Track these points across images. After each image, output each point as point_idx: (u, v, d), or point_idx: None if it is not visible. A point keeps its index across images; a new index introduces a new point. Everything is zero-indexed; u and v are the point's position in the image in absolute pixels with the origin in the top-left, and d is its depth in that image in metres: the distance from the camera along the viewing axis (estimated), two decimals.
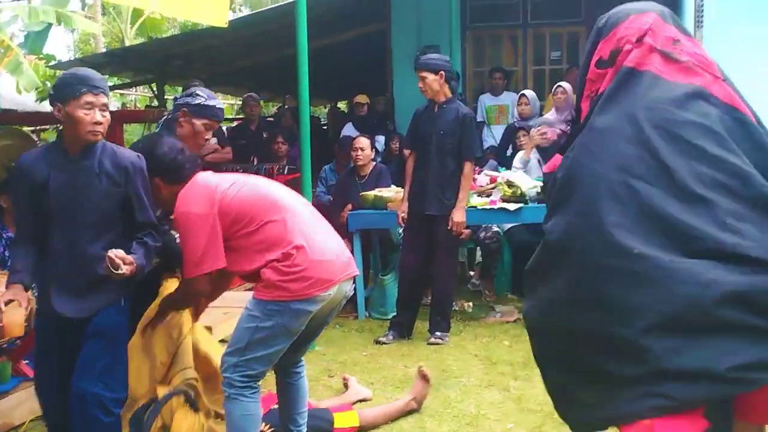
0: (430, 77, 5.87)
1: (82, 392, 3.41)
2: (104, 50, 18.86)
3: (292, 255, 3.29)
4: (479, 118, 10.03)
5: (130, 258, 3.33)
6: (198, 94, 4.06)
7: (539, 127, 7.27)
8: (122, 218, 3.52)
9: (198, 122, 4.05)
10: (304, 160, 5.88)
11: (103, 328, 3.46)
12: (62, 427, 3.55)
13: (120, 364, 3.54)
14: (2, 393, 4.38)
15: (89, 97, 3.31)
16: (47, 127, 8.70)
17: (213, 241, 3.34)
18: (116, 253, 3.29)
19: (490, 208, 6.46)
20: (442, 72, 5.90)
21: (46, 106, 17.09)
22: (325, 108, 19.51)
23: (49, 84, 17.09)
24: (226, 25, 5.76)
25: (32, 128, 7.59)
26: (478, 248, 7.63)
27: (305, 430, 3.73)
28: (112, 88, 14.87)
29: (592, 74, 2.38)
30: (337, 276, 3.39)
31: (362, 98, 10.46)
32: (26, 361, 4.68)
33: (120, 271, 3.28)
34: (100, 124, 3.35)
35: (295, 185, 5.21)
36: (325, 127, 14.54)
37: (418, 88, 5.96)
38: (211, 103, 4.07)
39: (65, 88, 3.34)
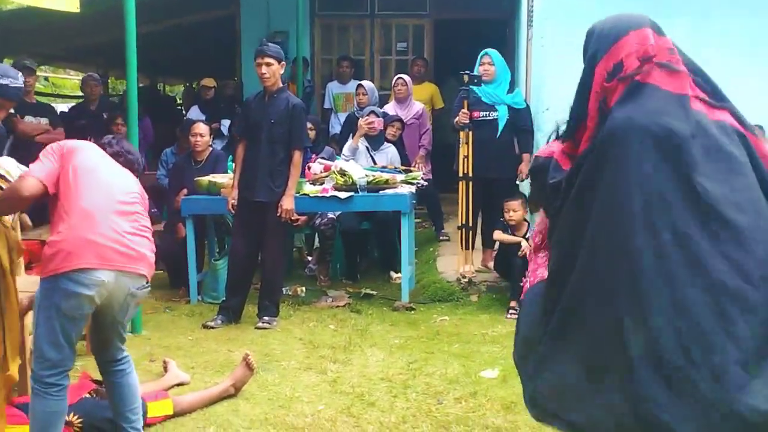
0: (276, 65, 5.98)
1: None
2: None
3: (59, 230, 3.42)
4: (326, 105, 10.24)
5: None
6: None
7: (367, 117, 7.50)
8: None
9: None
10: (131, 142, 5.84)
11: None
12: None
13: None
14: None
15: None
16: None
17: (55, 168, 3.54)
18: None
19: (323, 196, 6.62)
20: (284, 62, 6.04)
21: None
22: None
23: None
24: (78, 10, 5.64)
25: None
26: (316, 234, 7.79)
27: (139, 423, 3.76)
28: None
29: (597, 87, 2.56)
30: (100, 261, 3.41)
31: (209, 81, 10.44)
32: None
33: None
34: None
35: None
36: (180, 107, 14.41)
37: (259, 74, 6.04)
38: (3, 81, 3.87)
39: None
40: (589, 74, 2.60)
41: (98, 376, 3.97)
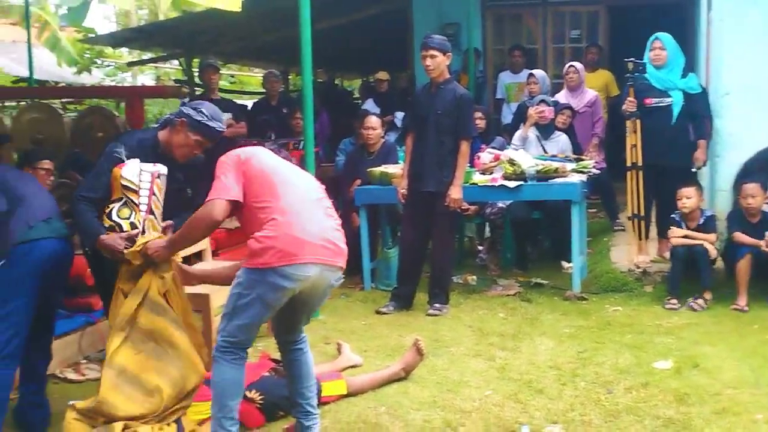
0: (440, 57, 6.07)
1: None
2: (142, 23, 19.25)
3: (267, 227, 3.54)
4: (499, 96, 10.22)
5: None
6: (203, 112, 4.12)
7: (537, 105, 7.45)
8: None
9: (192, 137, 4.12)
10: (307, 136, 6.11)
11: None
12: None
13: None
14: None
15: None
16: (73, 100, 8.97)
17: (238, 179, 3.64)
18: None
19: (491, 185, 6.66)
20: (449, 53, 6.11)
21: (84, 79, 17.58)
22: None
23: (89, 55, 17.60)
24: (239, 9, 5.96)
25: (61, 102, 7.87)
26: (487, 224, 7.83)
27: (314, 400, 3.93)
28: (141, 62, 15.23)
29: None
30: (310, 257, 3.54)
31: (383, 75, 10.69)
32: None
33: None
34: None
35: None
36: (357, 101, 14.81)
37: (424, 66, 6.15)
38: (211, 124, 4.13)
39: None
40: None
41: (277, 356, 4.19)
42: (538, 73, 8.45)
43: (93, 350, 5.29)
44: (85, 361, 5.16)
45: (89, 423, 3.85)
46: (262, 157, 3.78)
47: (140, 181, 4.00)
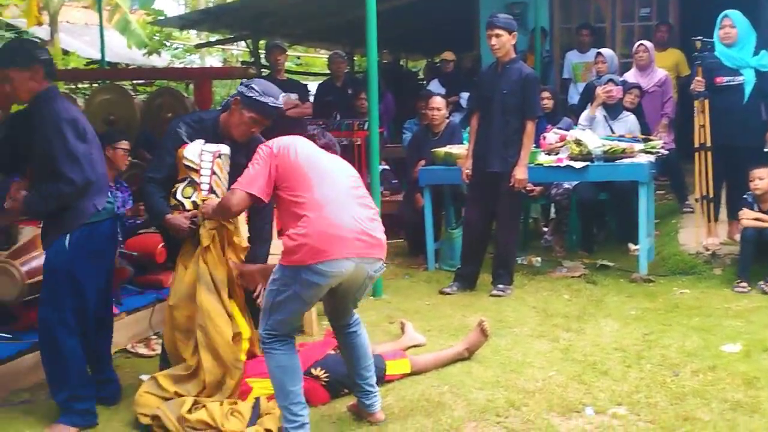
0: (506, 36, 6.03)
1: (39, 319, 3.98)
2: (210, 6, 19.46)
3: (300, 224, 3.54)
4: (566, 75, 10.09)
5: (15, 195, 3.92)
6: (253, 88, 4.08)
7: (605, 85, 7.34)
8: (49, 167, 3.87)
9: (246, 114, 4.09)
10: (372, 117, 6.14)
11: (47, 263, 3.97)
12: None
13: (59, 289, 3.93)
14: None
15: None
16: (143, 81, 9.14)
17: (265, 172, 3.67)
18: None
19: (557, 166, 6.60)
20: (515, 32, 6.07)
21: (154, 61, 17.89)
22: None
23: (158, 38, 17.88)
24: None
25: (131, 83, 8.04)
26: (552, 205, 7.78)
27: (373, 379, 3.96)
28: (209, 44, 15.41)
29: None
30: (345, 251, 3.53)
31: (448, 55, 10.66)
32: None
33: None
34: (8, 95, 3.94)
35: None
36: (421, 82, 14.78)
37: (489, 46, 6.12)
38: (263, 99, 4.06)
39: None
40: None
41: None
42: (606, 52, 8.33)
43: (162, 326, 5.40)
44: (155, 336, 5.29)
45: (160, 396, 3.96)
46: (298, 148, 3.76)
47: (201, 160, 4.07)
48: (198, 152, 4.07)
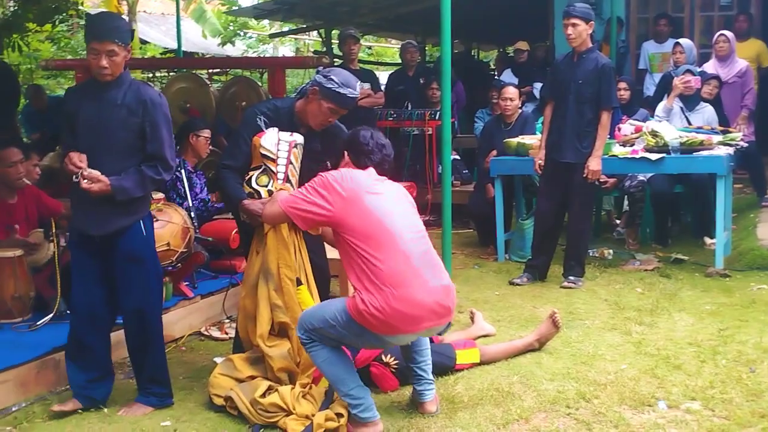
0: (582, 25, 5.96)
1: (129, 311, 3.98)
2: None
3: (374, 296, 3.48)
4: (642, 66, 9.91)
5: (97, 176, 3.73)
6: (332, 79, 4.10)
7: (682, 76, 7.20)
8: (142, 148, 3.87)
9: (325, 104, 4.14)
10: (444, 107, 6.10)
11: (129, 252, 3.91)
12: (89, 348, 3.99)
13: (154, 279, 4.02)
14: (164, 309, 4.98)
15: (94, 45, 3.74)
16: (219, 70, 9.26)
17: (311, 205, 3.66)
18: (89, 172, 3.73)
19: (632, 157, 6.50)
20: (592, 22, 5.99)
21: (228, 50, 18.15)
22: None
23: (232, 27, 18.15)
24: None
25: (207, 72, 8.17)
26: (626, 197, 7.67)
27: (427, 365, 3.93)
28: (284, 34, 15.57)
29: None
30: (416, 329, 3.57)
31: (522, 45, 10.57)
32: (186, 283, 5.30)
33: (83, 184, 3.72)
34: (106, 68, 3.75)
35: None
36: (493, 72, 14.71)
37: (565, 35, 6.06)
38: (342, 90, 4.10)
39: (85, 35, 3.89)
40: None
41: None
42: (685, 42, 8.15)
43: (235, 311, 5.49)
44: (228, 320, 5.39)
45: (235, 378, 4.03)
46: (365, 197, 3.64)
47: (278, 150, 4.10)
48: (275, 141, 4.11)
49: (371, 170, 3.83)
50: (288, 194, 3.87)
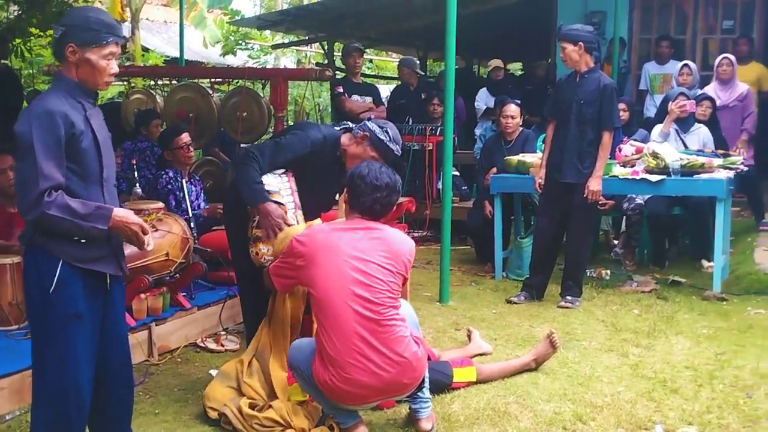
0: (569, 47, 5.98)
1: None
2: (285, 7, 19.69)
3: (322, 371, 3.59)
4: (642, 87, 9.95)
5: None
6: (387, 132, 4.31)
7: (677, 99, 7.21)
8: None
9: (370, 151, 4.30)
10: (447, 123, 6.14)
11: None
12: None
13: None
14: (161, 320, 4.99)
15: (113, 48, 3.07)
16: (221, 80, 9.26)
17: (289, 268, 3.74)
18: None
19: (632, 178, 6.50)
20: (581, 43, 5.97)
21: (229, 60, 18.15)
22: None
23: (233, 38, 18.15)
24: None
25: (210, 81, 8.15)
26: (624, 218, 7.67)
27: (423, 383, 3.86)
28: (286, 45, 15.60)
29: None
30: (363, 403, 3.68)
31: (496, 62, 10.68)
32: (183, 294, 5.28)
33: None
34: (115, 75, 3.15)
35: None
36: None
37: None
38: (391, 146, 4.31)
39: (88, 32, 3.02)
40: None
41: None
42: (693, 65, 8.19)
43: (232, 323, 5.50)
44: (224, 332, 5.37)
45: (230, 388, 4.03)
46: (325, 260, 3.61)
47: (280, 181, 4.24)
48: (273, 179, 4.24)
49: (353, 221, 3.77)
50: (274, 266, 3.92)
